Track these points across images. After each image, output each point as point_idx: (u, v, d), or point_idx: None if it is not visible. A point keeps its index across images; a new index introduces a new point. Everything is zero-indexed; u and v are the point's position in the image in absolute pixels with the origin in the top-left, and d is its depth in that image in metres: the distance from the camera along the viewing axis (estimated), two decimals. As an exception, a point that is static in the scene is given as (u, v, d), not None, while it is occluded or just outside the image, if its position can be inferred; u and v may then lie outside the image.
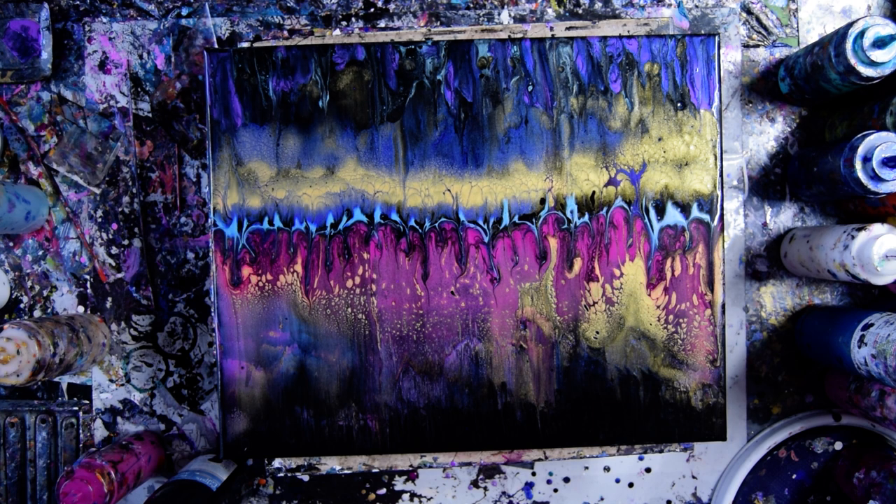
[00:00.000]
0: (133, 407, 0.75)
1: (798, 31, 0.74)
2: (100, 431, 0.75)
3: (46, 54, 0.72)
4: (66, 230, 0.75)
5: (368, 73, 0.64)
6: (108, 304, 0.75)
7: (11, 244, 0.75)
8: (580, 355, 0.65)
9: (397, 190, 0.65)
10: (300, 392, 0.66)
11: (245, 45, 0.72)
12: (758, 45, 0.74)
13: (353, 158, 0.65)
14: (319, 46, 0.64)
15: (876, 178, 0.60)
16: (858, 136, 0.61)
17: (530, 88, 0.64)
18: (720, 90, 0.64)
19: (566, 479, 0.76)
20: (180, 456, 0.76)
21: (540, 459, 0.70)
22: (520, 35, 0.71)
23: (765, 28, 0.74)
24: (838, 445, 0.75)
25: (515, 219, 0.65)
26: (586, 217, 0.65)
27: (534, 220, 0.65)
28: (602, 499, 0.77)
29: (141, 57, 0.74)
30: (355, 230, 0.65)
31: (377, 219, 0.65)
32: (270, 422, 0.66)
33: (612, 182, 0.65)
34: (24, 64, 0.72)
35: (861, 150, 0.60)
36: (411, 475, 0.76)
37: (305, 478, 0.76)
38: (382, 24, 0.73)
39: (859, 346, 0.62)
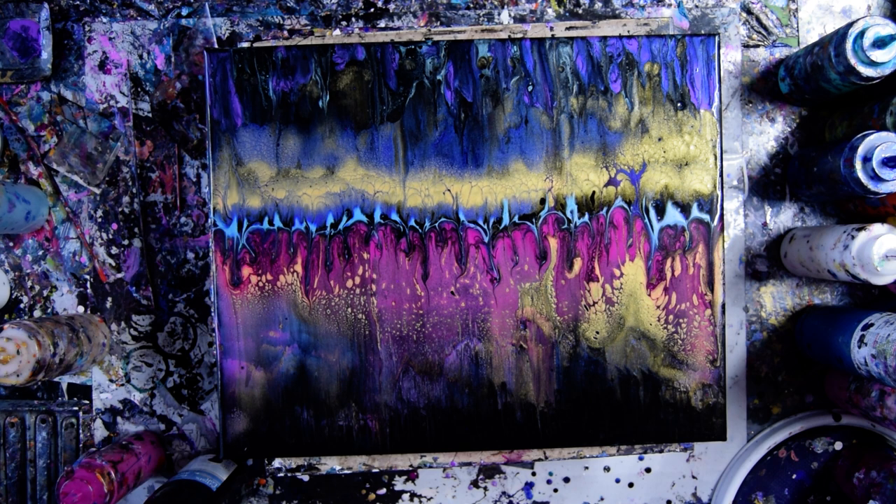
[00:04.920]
0: (133, 407, 0.75)
1: (798, 31, 0.74)
2: (100, 431, 0.75)
3: (46, 54, 0.72)
4: (66, 230, 0.75)
5: (368, 73, 0.64)
6: (108, 304, 0.75)
7: (11, 244, 0.75)
8: (580, 355, 0.65)
9: (397, 190, 0.65)
10: (300, 392, 0.66)
11: (245, 45, 0.72)
12: (758, 45, 0.74)
13: (353, 158, 0.65)
14: (319, 46, 0.64)
15: (876, 178, 0.60)
16: (858, 136, 0.61)
17: (530, 88, 0.64)
18: (720, 90, 0.64)
19: (566, 479, 0.76)
20: (180, 456, 0.76)
21: (540, 459, 0.70)
22: (520, 35, 0.71)
23: (765, 28, 0.74)
24: (838, 445, 0.75)
25: (515, 219, 0.65)
26: (586, 217, 0.65)
27: (534, 220, 0.65)
28: (602, 499, 0.77)
29: (141, 57, 0.74)
30: (355, 230, 0.65)
31: (377, 219, 0.65)
32: (270, 422, 0.66)
33: (612, 182, 0.65)
34: (24, 64, 0.72)
35: (861, 150, 0.60)
36: (411, 475, 0.76)
37: (305, 478, 0.76)
38: (382, 24, 0.73)
39: (859, 346, 0.62)
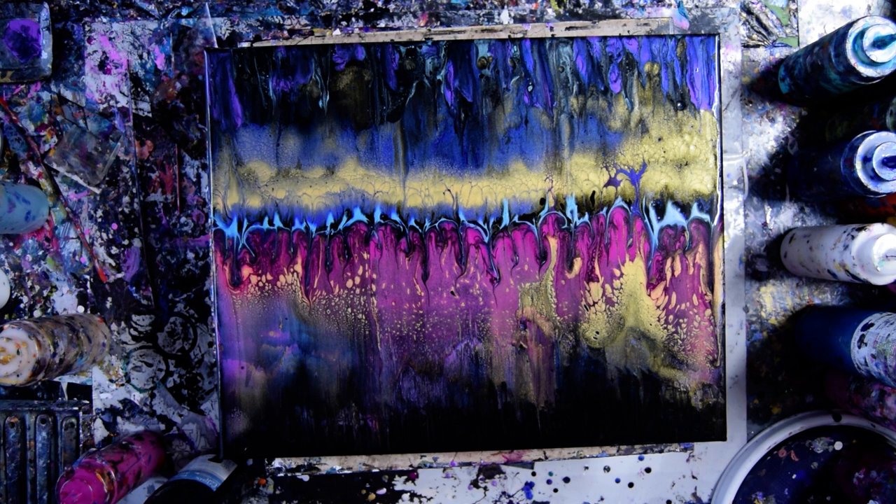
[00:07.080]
0: (133, 407, 0.75)
1: (798, 31, 0.74)
2: (100, 431, 0.75)
3: (46, 54, 0.72)
4: (66, 230, 0.75)
5: (368, 73, 0.64)
6: (108, 304, 0.75)
7: (11, 244, 0.75)
8: (580, 355, 0.65)
9: (397, 190, 0.65)
10: (300, 392, 0.66)
11: (245, 45, 0.72)
12: (758, 45, 0.74)
13: (353, 158, 0.65)
14: (319, 46, 0.64)
15: (876, 178, 0.60)
16: (858, 136, 0.61)
17: (530, 88, 0.64)
18: (720, 90, 0.64)
19: (566, 479, 0.76)
20: (180, 456, 0.76)
21: (540, 459, 0.70)
22: (520, 35, 0.71)
23: (765, 28, 0.74)
24: (838, 445, 0.75)
25: (515, 219, 0.65)
26: (586, 217, 0.65)
27: (534, 220, 0.65)
28: (602, 499, 0.77)
29: (141, 57, 0.74)
30: (355, 230, 0.65)
31: (377, 219, 0.65)
32: (270, 422, 0.66)
33: (612, 182, 0.65)
34: (24, 64, 0.72)
35: (861, 150, 0.60)
36: (411, 475, 0.76)
37: (305, 478, 0.76)
38: (382, 24, 0.73)
39: (859, 346, 0.62)
